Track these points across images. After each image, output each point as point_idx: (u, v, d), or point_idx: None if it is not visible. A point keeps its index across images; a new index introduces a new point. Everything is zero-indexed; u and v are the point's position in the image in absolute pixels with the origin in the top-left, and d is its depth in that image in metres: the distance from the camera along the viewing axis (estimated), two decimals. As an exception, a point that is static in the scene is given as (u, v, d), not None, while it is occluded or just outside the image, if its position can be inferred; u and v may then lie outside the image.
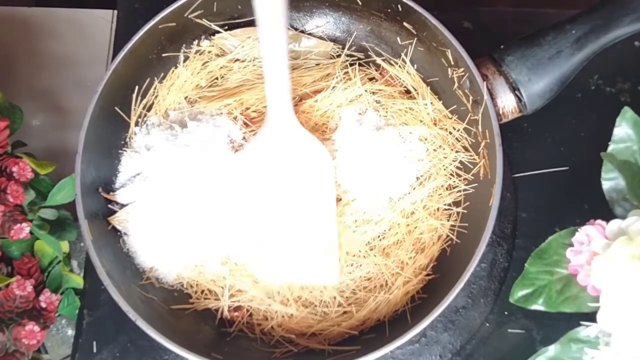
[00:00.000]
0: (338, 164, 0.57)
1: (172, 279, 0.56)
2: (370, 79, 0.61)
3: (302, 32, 0.63)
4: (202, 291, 0.56)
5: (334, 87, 0.59)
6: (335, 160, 0.57)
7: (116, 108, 0.58)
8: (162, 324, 0.52)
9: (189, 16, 0.59)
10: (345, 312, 0.55)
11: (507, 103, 0.55)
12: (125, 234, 0.57)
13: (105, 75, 0.55)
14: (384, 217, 0.56)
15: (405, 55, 0.60)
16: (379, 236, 0.56)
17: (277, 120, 0.54)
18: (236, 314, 0.56)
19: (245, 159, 0.56)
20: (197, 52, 0.62)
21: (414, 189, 0.57)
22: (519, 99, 0.55)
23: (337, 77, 0.60)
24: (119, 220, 0.56)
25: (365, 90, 0.59)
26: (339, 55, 0.63)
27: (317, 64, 0.63)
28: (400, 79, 0.61)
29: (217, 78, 0.62)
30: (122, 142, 0.59)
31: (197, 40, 0.62)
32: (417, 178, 0.57)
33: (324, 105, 0.59)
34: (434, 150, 0.58)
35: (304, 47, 0.63)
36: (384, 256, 0.56)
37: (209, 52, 0.62)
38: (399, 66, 0.60)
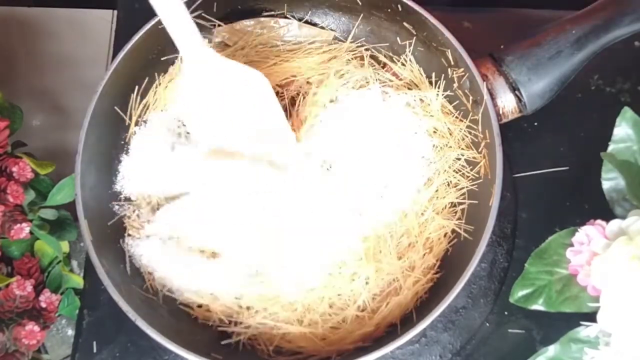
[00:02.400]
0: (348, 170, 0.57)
1: (182, 297, 0.56)
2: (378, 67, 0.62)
3: (306, 22, 0.63)
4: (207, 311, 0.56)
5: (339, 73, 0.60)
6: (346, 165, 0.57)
7: (116, 108, 0.58)
8: (162, 324, 0.51)
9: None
10: (357, 318, 0.54)
11: (507, 103, 0.55)
12: (132, 236, 0.57)
13: (105, 75, 0.55)
14: (400, 227, 0.56)
15: (406, 55, 0.60)
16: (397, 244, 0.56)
17: (196, 59, 0.52)
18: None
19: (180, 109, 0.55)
20: None
21: (420, 191, 0.57)
22: (519, 99, 0.55)
23: (347, 59, 0.60)
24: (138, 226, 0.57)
25: (373, 77, 0.60)
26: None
27: (322, 49, 0.62)
28: (403, 75, 0.61)
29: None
30: (122, 142, 0.59)
31: None
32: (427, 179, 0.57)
33: (331, 88, 0.59)
34: (441, 148, 0.58)
35: (305, 35, 0.63)
36: (398, 259, 0.55)
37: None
38: (402, 63, 0.61)
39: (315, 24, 0.63)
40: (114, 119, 0.58)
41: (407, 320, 0.54)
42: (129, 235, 0.57)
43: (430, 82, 0.60)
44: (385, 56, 0.62)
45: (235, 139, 0.56)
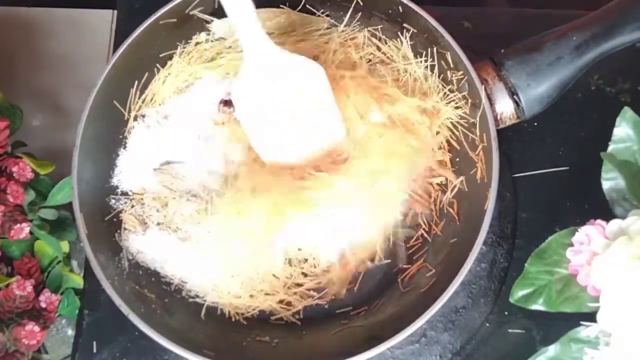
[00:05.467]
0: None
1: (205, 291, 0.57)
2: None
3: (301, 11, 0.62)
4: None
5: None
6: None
7: (115, 102, 0.58)
8: (155, 319, 0.52)
9: (190, 12, 0.59)
10: None
11: (505, 108, 0.55)
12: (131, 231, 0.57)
13: (104, 70, 0.55)
14: None
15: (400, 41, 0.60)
16: None
17: (256, 51, 0.52)
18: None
19: (239, 98, 0.54)
20: (196, 43, 0.62)
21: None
22: (517, 105, 0.55)
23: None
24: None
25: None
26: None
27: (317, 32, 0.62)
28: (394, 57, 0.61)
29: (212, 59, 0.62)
30: (120, 137, 0.59)
31: (196, 35, 0.62)
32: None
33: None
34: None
35: (301, 23, 0.62)
36: None
37: (206, 40, 0.62)
38: (395, 47, 0.60)
39: (312, 13, 0.62)
40: (113, 114, 0.58)
41: (395, 318, 0.54)
42: (125, 229, 0.57)
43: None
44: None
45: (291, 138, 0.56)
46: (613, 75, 0.65)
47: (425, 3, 0.56)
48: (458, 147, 0.58)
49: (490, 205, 0.51)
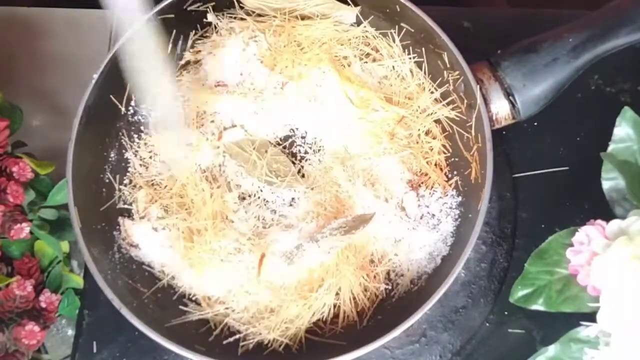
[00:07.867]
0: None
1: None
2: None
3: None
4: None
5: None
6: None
7: (111, 97, 0.58)
8: (148, 314, 0.52)
9: (188, 8, 0.59)
10: None
11: (501, 109, 0.55)
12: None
13: (101, 64, 0.56)
14: None
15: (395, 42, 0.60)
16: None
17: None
18: None
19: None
20: (196, 40, 0.62)
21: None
22: (513, 105, 0.55)
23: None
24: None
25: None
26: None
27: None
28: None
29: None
30: (116, 131, 0.60)
31: (194, 31, 0.62)
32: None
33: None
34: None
35: (330, 7, 0.61)
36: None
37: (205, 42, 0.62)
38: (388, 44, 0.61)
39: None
40: (109, 108, 0.59)
41: (389, 317, 0.54)
42: (119, 224, 0.57)
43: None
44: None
45: None
46: (613, 75, 0.65)
47: (425, 3, 0.56)
48: (452, 149, 0.58)
49: (483, 205, 0.51)
